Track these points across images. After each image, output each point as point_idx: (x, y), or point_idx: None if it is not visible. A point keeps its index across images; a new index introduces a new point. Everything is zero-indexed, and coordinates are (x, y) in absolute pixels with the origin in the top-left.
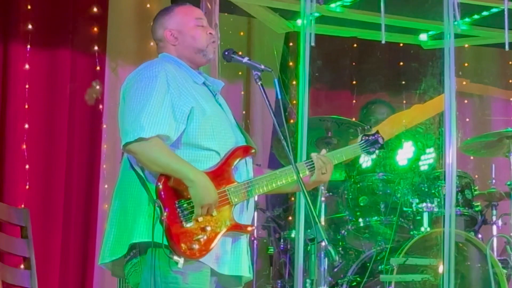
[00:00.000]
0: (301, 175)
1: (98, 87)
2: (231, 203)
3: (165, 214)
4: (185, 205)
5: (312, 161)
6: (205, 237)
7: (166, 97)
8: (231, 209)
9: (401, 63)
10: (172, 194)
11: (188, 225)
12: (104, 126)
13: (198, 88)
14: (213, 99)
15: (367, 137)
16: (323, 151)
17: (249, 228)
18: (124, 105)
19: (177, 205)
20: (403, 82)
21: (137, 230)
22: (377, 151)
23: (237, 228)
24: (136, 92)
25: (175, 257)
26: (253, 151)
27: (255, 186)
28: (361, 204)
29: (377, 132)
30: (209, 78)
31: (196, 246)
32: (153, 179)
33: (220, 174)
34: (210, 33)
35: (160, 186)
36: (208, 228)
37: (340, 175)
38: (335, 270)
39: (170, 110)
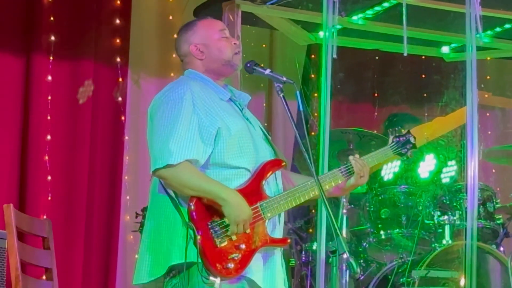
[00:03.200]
0: (334, 183)
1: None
2: (264, 219)
3: (198, 237)
4: (218, 225)
5: (350, 165)
6: (240, 256)
7: (193, 119)
8: (264, 224)
9: (423, 76)
10: (205, 215)
11: (222, 244)
12: (126, 137)
13: (224, 105)
14: (240, 115)
15: (398, 138)
16: (357, 155)
17: (284, 242)
18: (151, 127)
19: (209, 226)
20: (425, 95)
21: (174, 252)
22: (409, 152)
23: (272, 243)
24: (163, 115)
25: (211, 278)
26: (283, 164)
27: (287, 200)
28: (383, 216)
29: (408, 132)
30: (236, 91)
31: (231, 265)
32: (185, 200)
33: (251, 191)
34: (234, 43)
35: (192, 207)
36: (243, 246)
37: (362, 188)
38: (361, 278)
39: (197, 132)
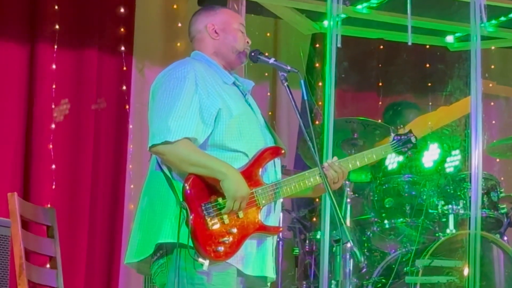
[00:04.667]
0: (311, 182)
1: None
2: (259, 205)
3: (191, 217)
4: (211, 206)
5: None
6: (231, 239)
7: (194, 98)
8: (258, 211)
9: (428, 65)
10: (199, 195)
11: (214, 227)
12: (131, 126)
13: (227, 88)
14: (243, 99)
15: (399, 137)
16: (335, 158)
17: (276, 230)
18: (153, 104)
19: (203, 207)
20: (429, 84)
21: (163, 231)
22: (409, 151)
23: (264, 230)
24: (165, 93)
25: (200, 259)
26: (282, 152)
27: (282, 188)
28: (387, 205)
29: (410, 131)
30: (240, 78)
31: (221, 249)
32: (180, 179)
33: (248, 176)
34: (247, 41)
35: (187, 187)
36: (234, 230)
37: (366, 177)
38: (364, 270)
39: (197, 112)
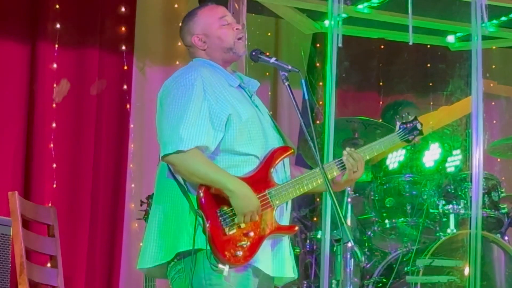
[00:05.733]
0: (330, 175)
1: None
2: (273, 206)
3: (207, 225)
4: (226, 213)
5: (342, 160)
6: (248, 243)
7: (204, 105)
8: (273, 212)
9: (428, 65)
10: (214, 202)
11: (231, 232)
12: (132, 125)
13: (234, 92)
14: (249, 101)
15: (405, 125)
16: (347, 149)
17: (292, 229)
18: (161, 112)
19: (218, 214)
20: (430, 84)
21: (182, 239)
22: (416, 138)
23: (280, 230)
24: (173, 101)
25: (220, 265)
26: (291, 151)
27: (295, 187)
28: (388, 205)
29: (415, 118)
30: (245, 78)
31: (240, 253)
32: (194, 186)
33: (260, 178)
34: (236, 28)
35: (201, 195)
36: (251, 234)
37: (367, 176)
38: (367, 266)
39: (208, 119)
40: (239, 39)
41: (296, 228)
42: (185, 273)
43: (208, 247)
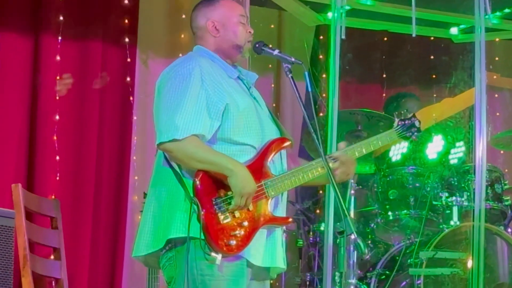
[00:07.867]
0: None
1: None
2: (268, 197)
3: (202, 212)
4: (222, 201)
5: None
6: (242, 232)
7: (201, 95)
8: (267, 202)
9: (432, 57)
10: (209, 190)
11: (226, 221)
12: (135, 118)
13: (232, 83)
14: (248, 93)
15: (403, 122)
16: (343, 144)
17: (286, 221)
18: (159, 101)
19: (214, 202)
20: (434, 76)
21: (174, 226)
22: (414, 136)
23: (274, 221)
24: (171, 89)
25: (213, 254)
26: (289, 143)
27: (291, 178)
28: (391, 197)
29: (413, 115)
30: (243, 70)
31: (233, 242)
32: (189, 175)
33: (256, 168)
34: (249, 31)
35: (197, 182)
36: (245, 223)
37: (370, 169)
38: (368, 257)
39: (204, 108)
40: (249, 41)
41: (290, 220)
42: (176, 261)
43: (202, 236)
